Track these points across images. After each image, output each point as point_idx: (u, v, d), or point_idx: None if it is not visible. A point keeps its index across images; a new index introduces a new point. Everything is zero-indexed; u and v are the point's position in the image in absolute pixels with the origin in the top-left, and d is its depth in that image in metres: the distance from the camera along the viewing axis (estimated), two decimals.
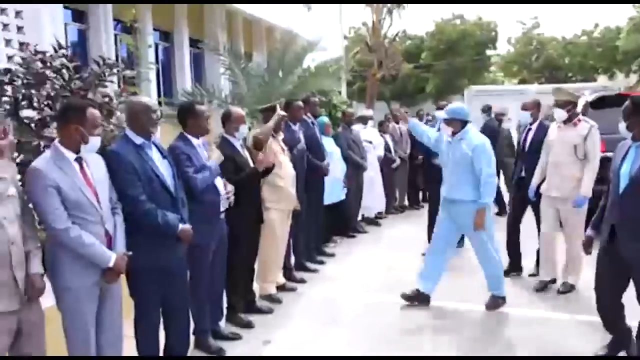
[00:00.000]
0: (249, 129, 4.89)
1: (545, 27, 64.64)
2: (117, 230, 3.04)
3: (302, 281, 5.54)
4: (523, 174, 5.39)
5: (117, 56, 9.53)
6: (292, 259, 5.69)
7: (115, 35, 10.25)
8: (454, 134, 4.69)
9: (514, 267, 5.60)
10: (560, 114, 4.92)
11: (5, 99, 4.68)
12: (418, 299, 4.82)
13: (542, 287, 5.10)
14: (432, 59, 31.92)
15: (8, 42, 7.51)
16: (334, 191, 6.66)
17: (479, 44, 32.19)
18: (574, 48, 33.29)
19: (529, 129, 5.49)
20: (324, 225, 6.48)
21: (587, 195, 4.78)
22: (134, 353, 3.46)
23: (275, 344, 4.13)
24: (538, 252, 5.36)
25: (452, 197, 4.70)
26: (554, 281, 5.14)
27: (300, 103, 5.82)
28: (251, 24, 15.27)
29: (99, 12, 9.79)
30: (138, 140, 3.32)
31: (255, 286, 4.89)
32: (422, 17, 47.91)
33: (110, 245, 2.97)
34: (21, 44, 7.49)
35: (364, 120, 8.57)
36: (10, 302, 2.50)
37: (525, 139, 5.49)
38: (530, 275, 5.50)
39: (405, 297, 4.83)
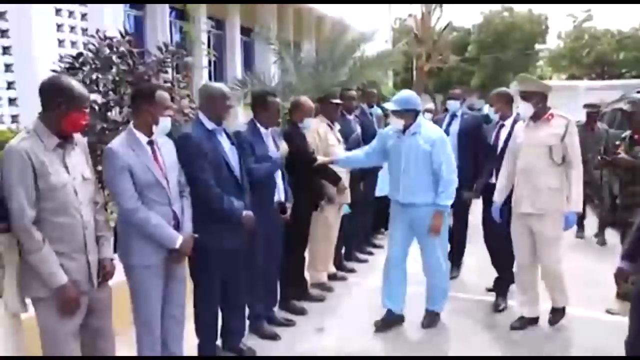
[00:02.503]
0: None
1: (599, 20, 62.78)
2: (185, 213, 3.11)
3: (352, 271, 5.58)
4: (494, 179, 4.49)
5: (171, 43, 9.72)
6: (343, 249, 5.72)
7: (170, 22, 10.45)
8: (405, 128, 4.05)
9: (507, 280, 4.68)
10: (526, 108, 3.98)
11: None
12: (391, 324, 4.22)
13: (522, 326, 4.16)
14: (478, 52, 31.37)
15: (72, 29, 7.77)
16: (384, 183, 6.63)
17: (528, 38, 31.45)
18: (629, 42, 32.01)
19: (502, 126, 4.61)
20: (374, 216, 6.47)
21: (578, 210, 3.92)
22: (193, 335, 3.55)
23: (327, 332, 4.17)
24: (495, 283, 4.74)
25: (410, 200, 4.03)
26: (535, 321, 4.21)
27: (354, 93, 5.82)
28: (301, 13, 15.32)
29: None
30: (210, 125, 3.39)
31: (307, 275, 4.94)
32: (470, 8, 47.00)
33: (177, 227, 3.03)
34: (84, 30, 7.75)
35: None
36: (84, 283, 2.59)
37: (497, 138, 4.60)
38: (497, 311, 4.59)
39: (378, 326, 4.18)
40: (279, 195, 3.98)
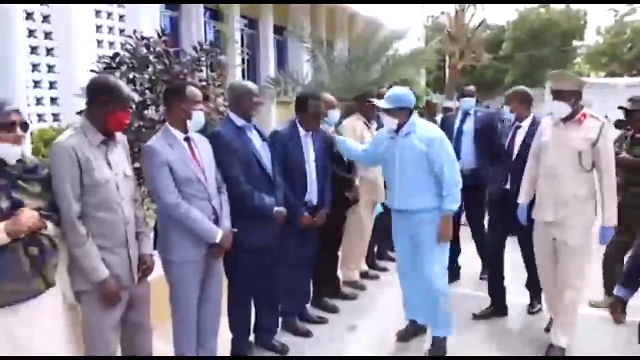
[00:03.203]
0: (340, 121, 4.89)
1: None
2: (223, 208, 3.16)
3: (385, 269, 5.57)
4: (507, 185, 4.15)
5: (205, 42, 9.87)
6: (375, 248, 5.72)
7: (205, 22, 10.60)
8: (399, 127, 3.72)
9: (498, 309, 4.38)
10: (561, 107, 3.54)
11: None
12: (413, 334, 4.01)
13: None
14: (512, 50, 30.84)
15: (111, 29, 7.97)
16: None
17: (565, 34, 30.75)
18: None
19: (518, 127, 4.19)
20: None
21: (612, 224, 3.49)
22: (227, 330, 3.60)
23: (359, 330, 4.18)
24: (529, 283, 4.46)
25: (408, 207, 3.69)
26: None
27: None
28: (334, 12, 15.33)
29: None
30: (239, 122, 3.44)
31: (339, 273, 4.95)
32: (504, 5, 46.19)
33: (216, 222, 3.08)
34: (121, 30, 7.93)
35: (449, 111, 8.41)
36: (125, 278, 2.66)
37: (512, 140, 4.18)
38: (530, 313, 4.46)
39: (400, 336, 4.00)
40: (310, 196, 3.95)
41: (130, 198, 2.73)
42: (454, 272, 4.91)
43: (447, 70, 25.74)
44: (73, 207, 2.46)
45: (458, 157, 4.53)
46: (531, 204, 3.84)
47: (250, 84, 3.61)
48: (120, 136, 2.79)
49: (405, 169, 3.66)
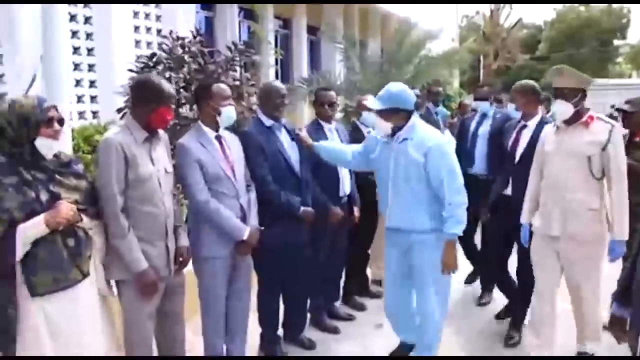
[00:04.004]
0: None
1: None
2: (251, 206, 3.22)
3: None
4: (509, 191, 3.85)
5: (240, 42, 10.03)
6: None
7: (239, 22, 10.77)
8: (394, 132, 3.22)
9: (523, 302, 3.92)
10: (565, 109, 3.18)
11: None
12: (406, 353, 3.64)
13: None
14: (549, 50, 30.22)
15: (148, 30, 8.18)
16: None
17: (605, 33, 30.01)
18: None
19: (523, 127, 3.81)
20: None
21: (623, 238, 3.14)
22: (257, 325, 3.68)
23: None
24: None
25: (401, 225, 3.23)
26: None
27: (418, 92, 5.82)
28: (367, 12, 15.34)
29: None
30: (268, 122, 3.51)
31: (369, 271, 4.98)
32: (541, 4, 45.35)
33: (244, 219, 3.15)
34: (158, 31, 8.14)
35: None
36: (162, 269, 2.76)
37: (516, 141, 3.81)
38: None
39: (392, 356, 3.71)
40: (343, 189, 4.01)
41: (170, 192, 2.83)
42: None
43: (481, 71, 25.44)
44: (117, 201, 2.57)
45: (472, 162, 4.64)
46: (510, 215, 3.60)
47: (277, 83, 3.67)
48: (162, 134, 2.89)
49: (399, 181, 3.18)
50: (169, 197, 2.81)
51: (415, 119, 3.22)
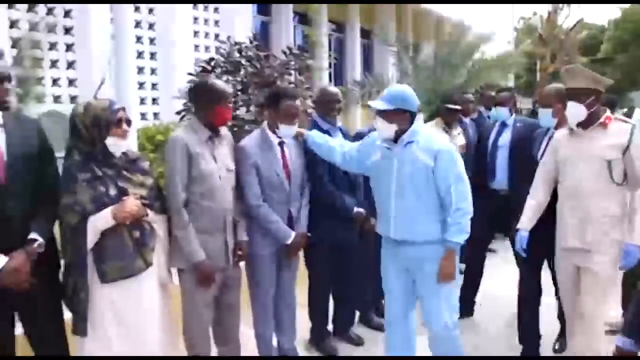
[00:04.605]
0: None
1: None
2: (301, 211, 3.33)
3: (461, 273, 5.51)
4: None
5: (295, 46, 10.25)
6: None
7: (294, 27, 11.01)
8: (397, 135, 2.98)
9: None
10: (577, 111, 2.95)
11: None
12: None
13: None
14: (612, 51, 29.02)
15: (206, 35, 8.50)
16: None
17: None
18: None
19: (552, 135, 3.40)
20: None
21: None
22: (306, 320, 3.80)
23: None
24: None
25: (408, 237, 2.96)
26: None
27: (471, 96, 5.79)
28: (420, 16, 15.29)
29: (281, 5, 10.61)
30: (325, 125, 3.60)
31: None
32: (604, 4, 43.61)
33: (290, 224, 3.25)
34: (216, 35, 8.44)
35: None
36: (220, 261, 2.92)
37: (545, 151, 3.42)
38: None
39: None
40: None
41: (231, 189, 2.98)
42: (467, 307, 4.32)
43: (537, 75, 24.77)
44: (180, 195, 2.75)
45: (493, 176, 4.15)
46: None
47: (332, 89, 3.75)
48: (226, 133, 3.05)
49: (405, 189, 2.92)
50: (230, 194, 2.96)
51: (418, 123, 3.01)
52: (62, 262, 2.54)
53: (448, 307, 2.99)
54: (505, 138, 4.23)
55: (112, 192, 2.46)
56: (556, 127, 3.40)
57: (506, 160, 4.15)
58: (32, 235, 2.36)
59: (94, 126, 2.45)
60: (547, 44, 23.12)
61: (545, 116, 3.47)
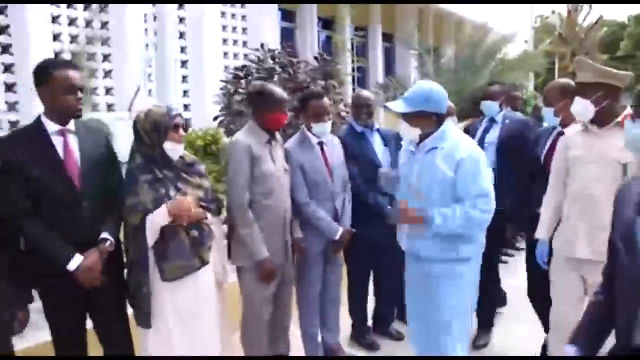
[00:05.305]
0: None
1: None
2: (345, 207, 3.46)
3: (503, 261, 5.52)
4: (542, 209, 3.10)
5: (319, 52, 10.42)
6: None
7: (318, 32, 11.19)
8: (421, 139, 2.70)
9: None
10: (583, 107, 2.70)
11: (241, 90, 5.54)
12: None
13: None
14: (632, 49, 28.70)
15: (235, 42, 8.70)
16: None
17: None
18: None
19: (560, 134, 3.17)
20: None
21: None
22: (347, 317, 3.92)
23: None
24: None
25: (421, 252, 2.73)
26: None
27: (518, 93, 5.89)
28: (441, 18, 15.37)
29: (305, 12, 10.78)
30: (359, 128, 3.73)
31: None
32: (625, 4, 43.04)
33: (336, 220, 3.34)
34: (244, 42, 8.64)
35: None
36: (281, 257, 3.06)
37: (551, 152, 3.16)
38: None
39: None
40: None
41: (287, 189, 3.14)
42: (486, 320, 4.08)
43: (556, 73, 24.62)
44: (245, 195, 2.91)
45: None
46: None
47: (364, 93, 3.87)
48: (279, 137, 3.20)
49: (420, 200, 2.64)
50: (287, 193, 3.12)
51: (446, 126, 2.68)
52: (125, 260, 2.64)
53: (458, 325, 2.73)
54: (493, 135, 4.04)
55: (172, 193, 2.55)
56: (563, 126, 3.21)
57: (493, 159, 3.91)
58: (104, 235, 2.48)
59: (153, 131, 2.57)
60: (567, 43, 22.95)
61: (548, 114, 3.28)
